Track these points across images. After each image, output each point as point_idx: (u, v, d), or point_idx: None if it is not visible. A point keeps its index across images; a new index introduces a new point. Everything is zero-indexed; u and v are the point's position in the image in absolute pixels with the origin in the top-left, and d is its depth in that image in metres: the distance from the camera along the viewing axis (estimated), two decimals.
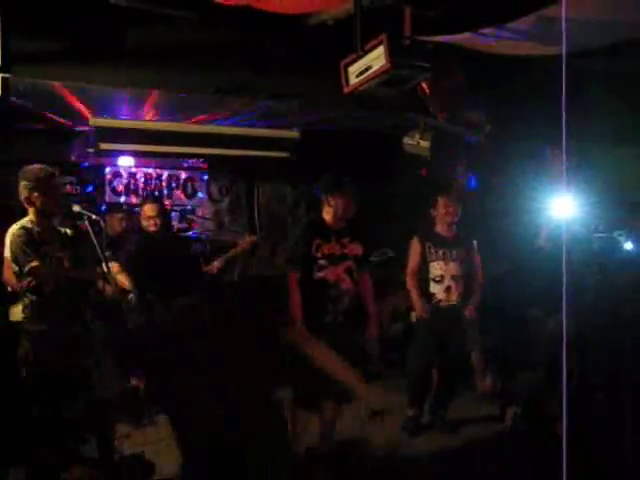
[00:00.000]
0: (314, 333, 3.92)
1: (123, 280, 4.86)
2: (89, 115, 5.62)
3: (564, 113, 2.96)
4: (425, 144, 5.37)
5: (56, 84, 4.60)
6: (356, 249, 4.17)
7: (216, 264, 5.61)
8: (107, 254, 4.10)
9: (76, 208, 4.03)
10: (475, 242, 5.11)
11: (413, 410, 5.02)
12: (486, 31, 3.86)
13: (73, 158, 6.29)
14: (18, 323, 3.87)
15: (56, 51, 4.23)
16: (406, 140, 5.41)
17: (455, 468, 4.34)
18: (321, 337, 3.90)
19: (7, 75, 4.09)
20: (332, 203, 4.10)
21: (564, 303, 3.70)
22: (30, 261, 3.54)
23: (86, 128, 5.86)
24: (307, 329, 3.93)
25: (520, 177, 6.32)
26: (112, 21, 3.94)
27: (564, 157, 5.38)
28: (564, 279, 3.86)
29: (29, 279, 3.58)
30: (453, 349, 5.01)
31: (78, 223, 4.09)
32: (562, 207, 5.05)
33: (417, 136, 5.45)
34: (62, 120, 5.66)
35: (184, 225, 6.95)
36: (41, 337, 3.64)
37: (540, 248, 5.64)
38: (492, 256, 6.00)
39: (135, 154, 6.48)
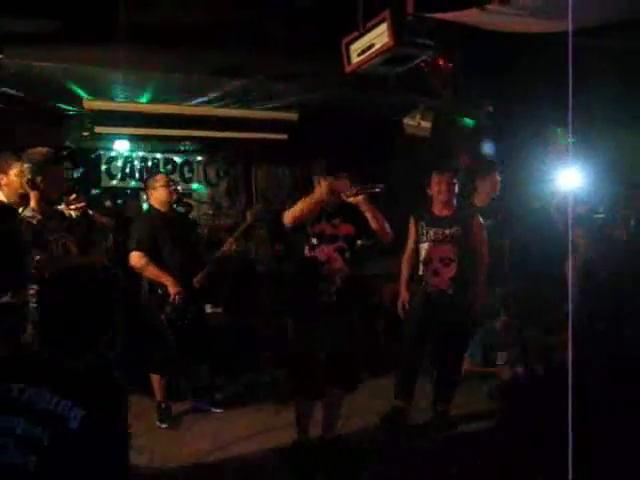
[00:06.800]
0: (308, 312, 3.94)
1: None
2: (84, 98, 5.52)
3: (570, 92, 2.89)
4: (426, 125, 5.28)
5: (50, 65, 4.50)
6: (347, 230, 4.06)
7: (227, 245, 5.05)
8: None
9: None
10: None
11: (398, 401, 4.77)
12: (491, 7, 3.77)
13: (68, 142, 6.19)
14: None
15: (49, 32, 4.13)
16: (407, 121, 5.32)
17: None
18: (316, 316, 3.93)
19: None
20: (323, 185, 3.97)
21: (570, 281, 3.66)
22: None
23: (81, 111, 5.76)
24: (300, 307, 3.96)
25: (523, 156, 6.26)
26: (107, 0, 3.84)
27: (569, 137, 5.34)
28: (570, 261, 3.82)
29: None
30: (447, 338, 4.72)
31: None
32: (565, 186, 4.99)
33: (418, 117, 5.36)
34: (56, 103, 5.56)
35: (182, 209, 6.87)
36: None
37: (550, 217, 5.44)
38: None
39: (131, 137, 6.39)
